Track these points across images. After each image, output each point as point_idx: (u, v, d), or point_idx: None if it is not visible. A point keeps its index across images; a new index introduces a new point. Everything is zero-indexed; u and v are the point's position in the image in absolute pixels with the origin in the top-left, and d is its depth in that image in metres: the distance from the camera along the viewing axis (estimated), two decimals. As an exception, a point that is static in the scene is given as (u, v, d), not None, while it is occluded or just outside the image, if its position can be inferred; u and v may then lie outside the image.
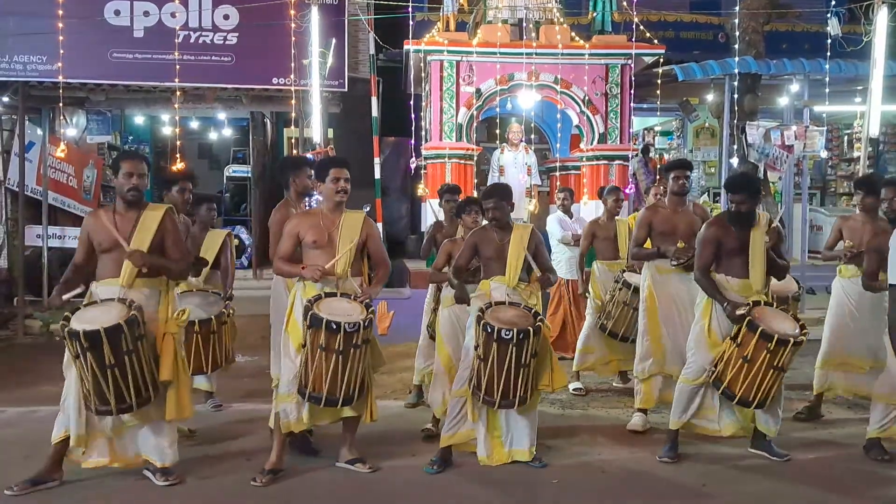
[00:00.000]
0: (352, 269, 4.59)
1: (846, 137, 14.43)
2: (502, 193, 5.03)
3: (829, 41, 9.62)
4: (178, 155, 9.36)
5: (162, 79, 10.19)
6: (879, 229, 5.30)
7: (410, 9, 10.34)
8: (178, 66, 9.60)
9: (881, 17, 9.02)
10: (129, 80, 10.49)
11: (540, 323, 4.63)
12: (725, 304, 4.67)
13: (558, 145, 11.09)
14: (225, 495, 4.33)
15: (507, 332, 4.46)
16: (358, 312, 4.41)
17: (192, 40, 10.28)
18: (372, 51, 10.99)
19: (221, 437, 5.27)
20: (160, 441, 4.38)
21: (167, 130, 13.03)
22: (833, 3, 10.20)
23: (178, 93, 9.66)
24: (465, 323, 4.99)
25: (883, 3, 9.09)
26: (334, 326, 4.27)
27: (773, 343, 4.47)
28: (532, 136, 10.27)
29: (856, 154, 12.05)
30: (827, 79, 9.74)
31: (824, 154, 11.00)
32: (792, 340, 4.49)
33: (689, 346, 4.96)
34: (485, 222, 5.20)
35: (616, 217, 6.82)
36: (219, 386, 6.23)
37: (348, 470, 4.63)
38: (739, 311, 4.59)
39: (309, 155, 9.72)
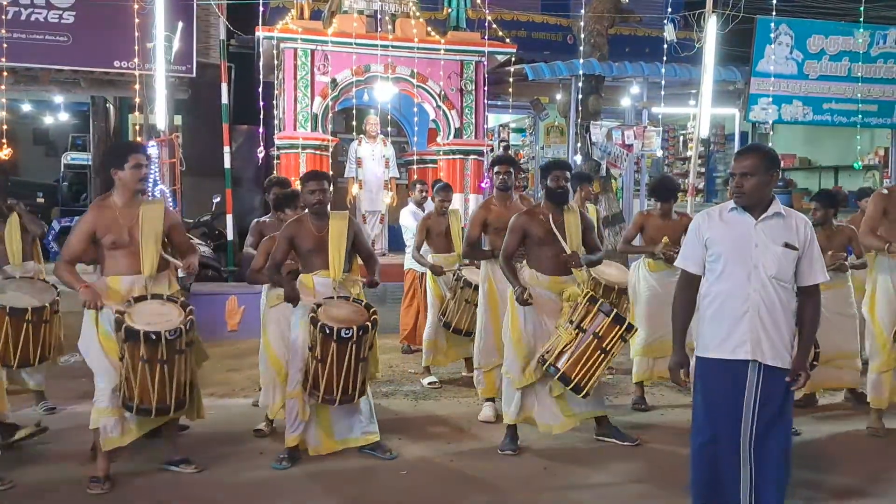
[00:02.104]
0: (160, 266, 4.28)
1: (681, 138, 15.43)
2: (326, 177, 4.86)
3: (665, 46, 10.24)
4: (3, 140, 8.66)
5: (-14, 57, 9.40)
6: (679, 226, 5.91)
7: (263, -6, 10.08)
8: (5, 45, 8.90)
9: (711, 25, 9.70)
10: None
11: (375, 315, 4.59)
12: (516, 287, 4.82)
13: (416, 139, 11.17)
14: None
15: (347, 332, 4.37)
16: (175, 315, 4.15)
17: (22, 17, 9.50)
18: (223, 36, 10.64)
19: (56, 441, 4.97)
20: None
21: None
22: (669, 10, 10.88)
23: (4, 73, 8.94)
24: (291, 321, 4.80)
25: (713, 11, 9.77)
26: (154, 337, 4.00)
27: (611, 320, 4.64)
28: (389, 129, 10.28)
29: (689, 153, 12.90)
30: (663, 82, 10.39)
31: (660, 153, 11.68)
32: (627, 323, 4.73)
33: (503, 340, 5.12)
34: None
35: (446, 212, 6.87)
36: (52, 388, 5.87)
37: (177, 472, 4.48)
38: (526, 297, 4.72)
39: (152, 142, 9.30)
